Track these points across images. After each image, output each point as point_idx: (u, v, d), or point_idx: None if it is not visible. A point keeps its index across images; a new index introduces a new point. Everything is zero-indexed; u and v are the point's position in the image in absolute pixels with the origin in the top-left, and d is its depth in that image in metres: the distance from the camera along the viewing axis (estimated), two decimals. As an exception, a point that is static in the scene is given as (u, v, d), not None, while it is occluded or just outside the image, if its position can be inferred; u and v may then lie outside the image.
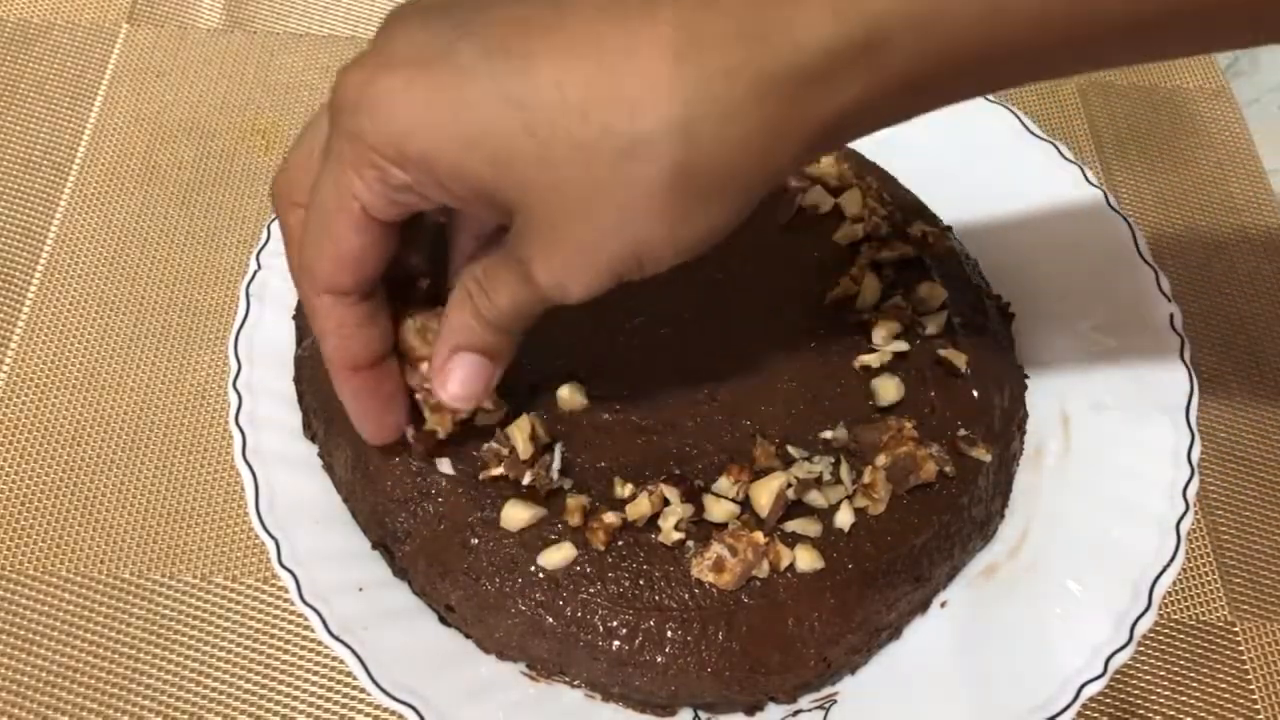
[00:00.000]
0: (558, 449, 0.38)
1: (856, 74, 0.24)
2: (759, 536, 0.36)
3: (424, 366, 0.34)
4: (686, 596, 0.36)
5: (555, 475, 0.37)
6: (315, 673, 0.39)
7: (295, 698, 0.39)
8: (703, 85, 0.24)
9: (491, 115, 0.25)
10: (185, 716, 0.38)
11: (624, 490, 0.37)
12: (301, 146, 0.31)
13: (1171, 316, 0.44)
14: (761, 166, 0.25)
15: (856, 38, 0.23)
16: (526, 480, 0.37)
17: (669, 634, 0.36)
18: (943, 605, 0.40)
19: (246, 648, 0.40)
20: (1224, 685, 0.41)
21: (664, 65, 0.24)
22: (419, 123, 0.26)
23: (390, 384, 0.34)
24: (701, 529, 0.37)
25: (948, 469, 0.39)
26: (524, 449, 0.37)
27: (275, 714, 0.39)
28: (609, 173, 0.25)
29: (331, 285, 0.30)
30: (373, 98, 0.26)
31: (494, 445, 0.37)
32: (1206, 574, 0.44)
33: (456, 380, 0.32)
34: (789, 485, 0.37)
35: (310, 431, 0.41)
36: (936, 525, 0.39)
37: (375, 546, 0.39)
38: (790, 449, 0.39)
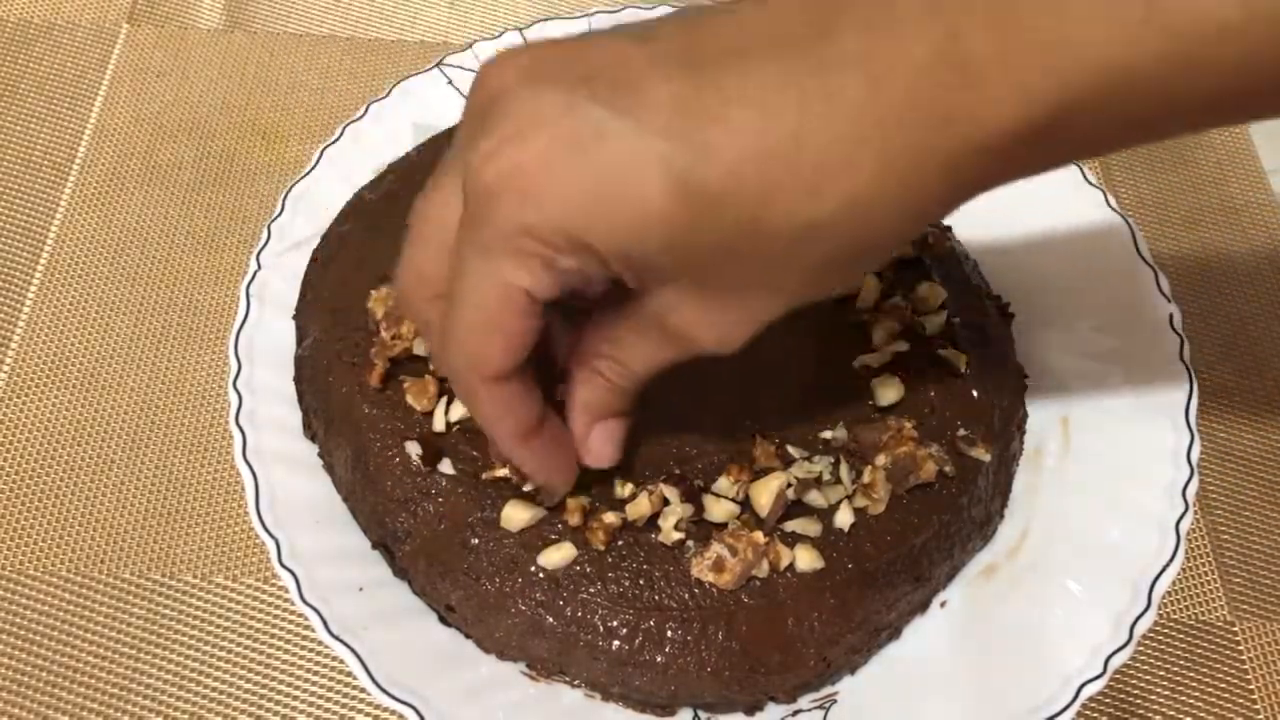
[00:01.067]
0: None
1: (1037, 148, 0.24)
2: (759, 536, 0.36)
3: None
4: (686, 596, 0.36)
5: None
6: (315, 673, 0.39)
7: (295, 698, 0.39)
8: (886, 165, 0.24)
9: (666, 208, 0.24)
10: (185, 716, 0.38)
11: (624, 490, 0.37)
12: (423, 239, 0.29)
13: (1171, 316, 0.44)
14: (917, 229, 0.28)
15: (1038, 120, 0.23)
16: (527, 487, 0.37)
17: (669, 634, 0.36)
18: (943, 605, 0.40)
19: (246, 648, 0.40)
20: (1224, 685, 0.41)
21: (847, 147, 0.23)
22: (584, 211, 0.25)
23: (561, 431, 0.33)
24: (701, 529, 0.37)
25: (947, 469, 0.39)
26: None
27: (275, 714, 0.39)
28: (783, 251, 0.25)
29: (500, 372, 0.29)
30: (523, 183, 0.25)
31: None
32: (1206, 574, 0.44)
33: (600, 451, 0.34)
34: (789, 485, 0.37)
35: (310, 431, 0.41)
36: (936, 525, 0.39)
37: (375, 546, 0.39)
38: (790, 449, 0.39)
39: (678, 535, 0.36)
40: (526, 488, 0.37)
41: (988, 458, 0.40)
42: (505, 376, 0.29)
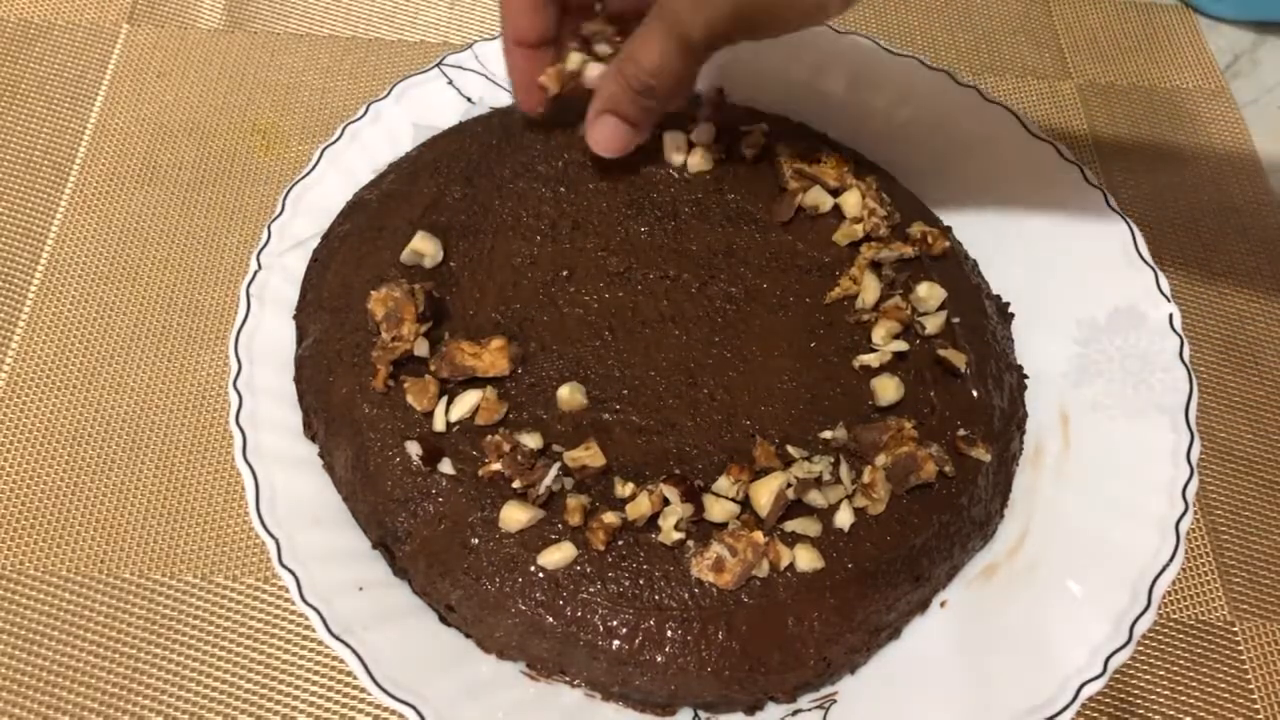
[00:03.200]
0: (554, 468, 0.38)
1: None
2: (759, 536, 0.36)
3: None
4: (686, 596, 0.36)
5: (544, 489, 0.37)
6: (315, 673, 0.39)
7: (295, 698, 0.39)
8: None
9: None
10: (185, 716, 0.38)
11: (624, 490, 0.37)
12: None
13: (1171, 316, 0.44)
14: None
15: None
16: (516, 485, 0.37)
17: (669, 633, 0.36)
18: (943, 605, 0.40)
19: (246, 648, 0.40)
20: (1223, 685, 0.41)
21: None
22: None
23: (541, 69, 0.42)
24: (701, 529, 0.37)
25: (947, 469, 0.39)
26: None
27: (275, 714, 0.39)
28: None
29: None
30: None
31: (496, 438, 0.38)
32: (1206, 574, 0.44)
33: (600, 138, 0.41)
34: (789, 485, 0.37)
35: (310, 431, 0.41)
36: (936, 525, 0.39)
37: (375, 546, 0.39)
38: (790, 449, 0.39)
39: (678, 535, 0.36)
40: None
41: (988, 458, 0.40)
42: None
